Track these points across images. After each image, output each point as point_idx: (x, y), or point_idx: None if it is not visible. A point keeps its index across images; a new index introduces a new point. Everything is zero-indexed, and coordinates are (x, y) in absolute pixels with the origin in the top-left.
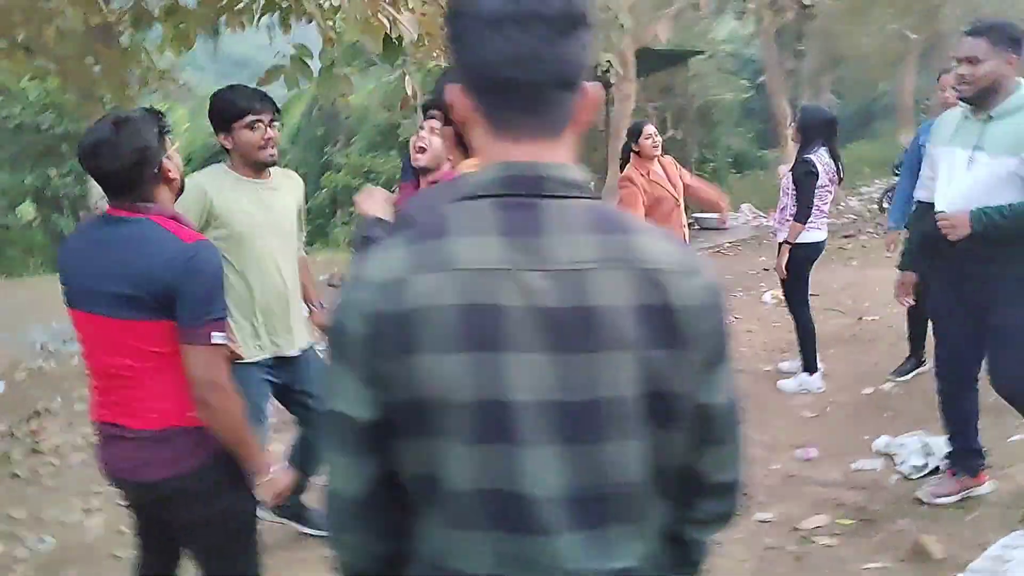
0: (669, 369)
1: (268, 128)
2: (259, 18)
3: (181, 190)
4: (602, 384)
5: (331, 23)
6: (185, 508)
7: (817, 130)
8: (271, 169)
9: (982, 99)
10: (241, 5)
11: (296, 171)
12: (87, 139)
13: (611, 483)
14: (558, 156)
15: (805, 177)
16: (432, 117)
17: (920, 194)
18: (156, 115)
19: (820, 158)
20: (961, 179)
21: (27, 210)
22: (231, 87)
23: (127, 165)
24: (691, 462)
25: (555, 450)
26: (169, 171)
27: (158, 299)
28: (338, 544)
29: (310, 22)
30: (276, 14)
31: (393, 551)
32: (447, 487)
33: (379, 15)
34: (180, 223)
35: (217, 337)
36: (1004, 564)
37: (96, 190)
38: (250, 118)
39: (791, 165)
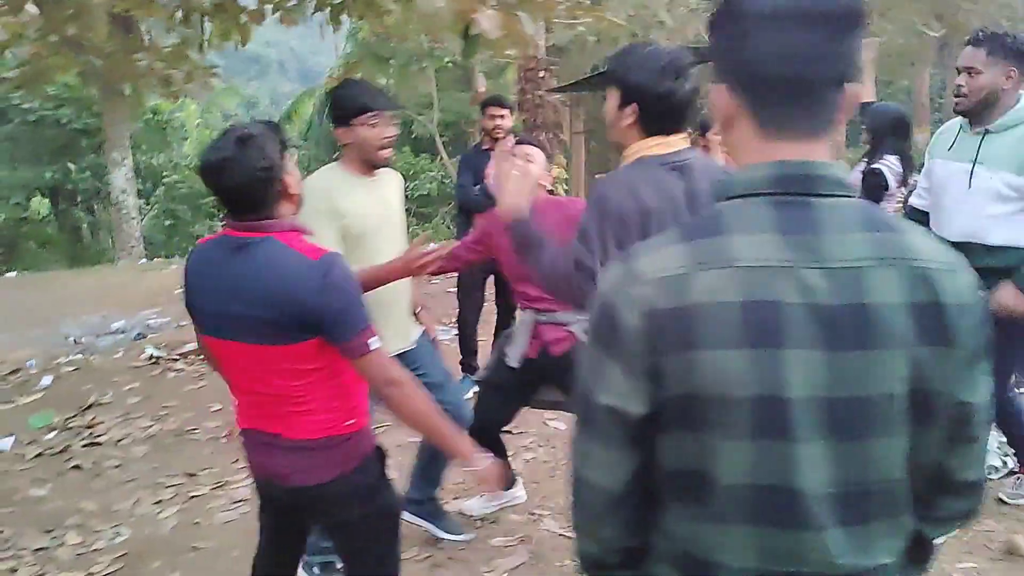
0: (935, 367)
1: (388, 127)
2: (313, 13)
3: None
4: (873, 381)
5: (383, 19)
6: (338, 509)
7: (887, 130)
8: None
9: (979, 112)
10: (294, 3)
11: (311, 169)
12: (211, 156)
13: (875, 480)
14: (824, 155)
15: (874, 191)
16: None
17: (914, 201)
18: (276, 129)
19: (891, 167)
20: (962, 196)
21: (41, 205)
22: (354, 82)
23: (252, 183)
24: (940, 460)
25: (826, 446)
26: (290, 186)
27: (302, 322)
28: (588, 536)
29: (360, 18)
30: (328, 10)
31: (637, 545)
32: (717, 481)
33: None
34: (303, 237)
35: (374, 342)
36: None
37: (117, 186)
38: (372, 115)
39: (860, 169)
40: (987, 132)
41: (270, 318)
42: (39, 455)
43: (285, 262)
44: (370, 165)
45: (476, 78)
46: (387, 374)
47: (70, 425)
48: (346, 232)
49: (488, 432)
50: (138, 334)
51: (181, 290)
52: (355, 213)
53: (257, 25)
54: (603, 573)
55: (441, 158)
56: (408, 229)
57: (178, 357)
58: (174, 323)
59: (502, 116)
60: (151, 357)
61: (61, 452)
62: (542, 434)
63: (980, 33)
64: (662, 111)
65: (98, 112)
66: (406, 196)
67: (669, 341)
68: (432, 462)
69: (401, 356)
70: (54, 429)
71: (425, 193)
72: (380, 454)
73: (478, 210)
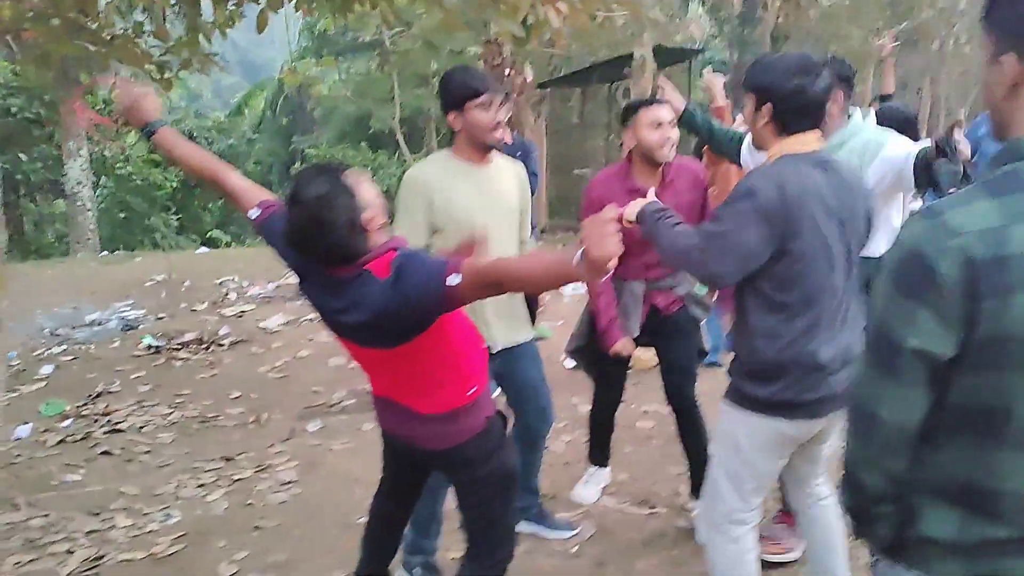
0: None
1: (499, 110)
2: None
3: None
4: None
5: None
6: (465, 470)
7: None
8: (494, 154)
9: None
10: None
11: (265, 161)
12: (294, 228)
13: None
14: None
15: None
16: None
17: None
18: (338, 171)
19: None
20: None
21: None
22: (464, 68)
23: (338, 244)
24: None
25: None
26: (373, 221)
27: (404, 328)
28: (876, 470)
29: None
30: None
31: (908, 477)
32: (1014, 414)
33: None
34: (391, 255)
35: (453, 279)
36: None
37: (73, 177)
38: (484, 98)
39: None
40: None
41: (378, 333)
42: (61, 441)
43: (373, 294)
44: (484, 149)
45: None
46: (484, 282)
47: (83, 413)
48: (445, 222)
49: (610, 407)
50: (125, 325)
51: (152, 283)
52: (453, 203)
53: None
54: (875, 507)
55: (402, 154)
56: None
57: (179, 347)
58: (151, 315)
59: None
60: (150, 347)
61: (83, 439)
62: (573, 417)
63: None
64: (794, 109)
65: (51, 101)
66: None
67: (986, 288)
68: (527, 472)
69: (508, 351)
70: (68, 417)
71: (385, 190)
72: (501, 417)
73: None
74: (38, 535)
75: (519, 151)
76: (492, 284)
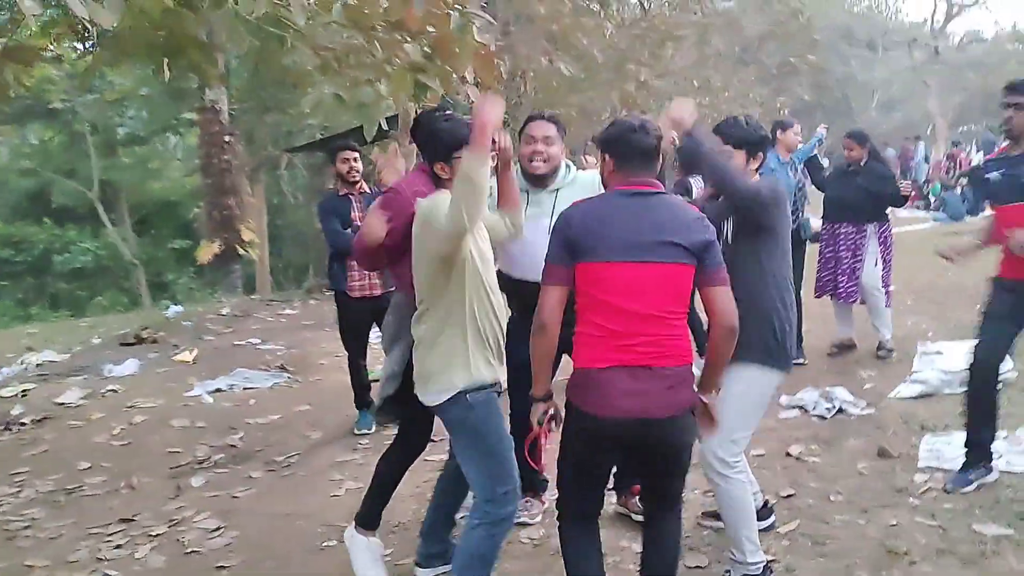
0: None
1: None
2: None
3: None
4: None
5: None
6: (686, 436)
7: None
8: None
9: (550, 176)
10: None
11: None
12: (626, 125)
13: None
14: None
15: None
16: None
17: None
18: None
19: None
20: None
21: None
22: (445, 115)
23: (656, 146)
24: None
25: None
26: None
27: (694, 249)
28: None
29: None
30: None
31: None
32: None
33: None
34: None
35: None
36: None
37: None
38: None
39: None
40: (557, 191)
41: (680, 242)
42: None
43: (681, 206)
44: None
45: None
46: (733, 307)
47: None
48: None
49: (411, 460)
50: None
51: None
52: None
53: None
54: None
55: (98, 228)
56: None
57: None
58: None
59: (355, 159)
60: None
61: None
62: None
63: (548, 112)
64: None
65: None
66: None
67: None
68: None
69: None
70: None
71: (80, 267)
72: None
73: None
74: None
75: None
76: None
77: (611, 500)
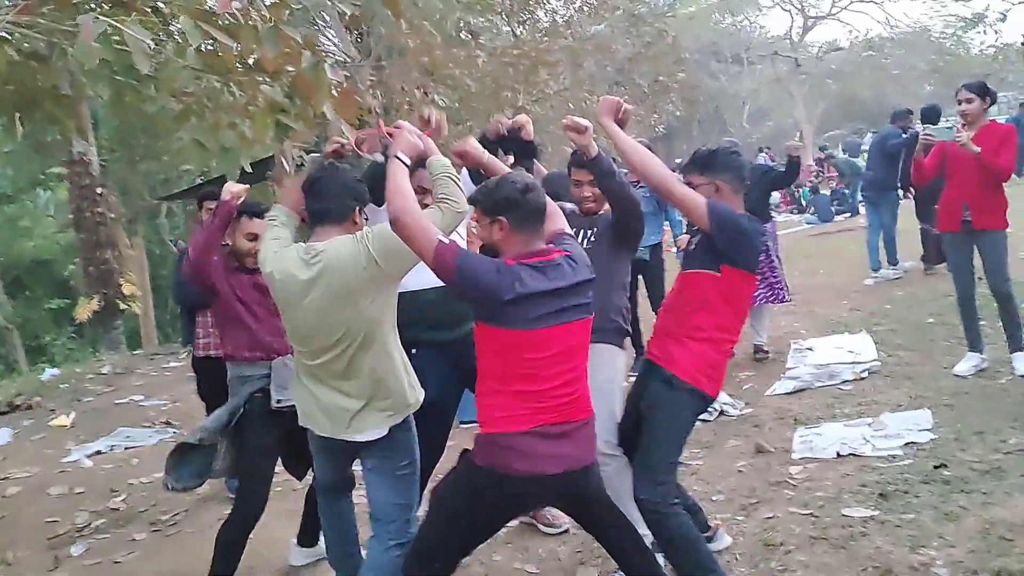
0: None
1: None
2: None
3: None
4: None
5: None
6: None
7: None
8: None
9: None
10: None
11: None
12: (516, 186)
13: None
14: None
15: None
16: None
17: None
18: None
19: None
20: None
21: None
22: (345, 170)
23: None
24: None
25: None
26: None
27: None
28: None
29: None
30: None
31: None
32: None
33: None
34: None
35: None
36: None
37: None
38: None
39: None
40: None
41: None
42: None
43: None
44: None
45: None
46: None
47: None
48: None
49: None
50: None
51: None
52: None
53: None
54: None
55: None
56: None
57: None
58: None
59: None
60: None
61: None
62: None
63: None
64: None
65: None
66: None
67: None
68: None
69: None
70: None
71: None
72: None
73: (204, 306)
74: None
75: None
76: None
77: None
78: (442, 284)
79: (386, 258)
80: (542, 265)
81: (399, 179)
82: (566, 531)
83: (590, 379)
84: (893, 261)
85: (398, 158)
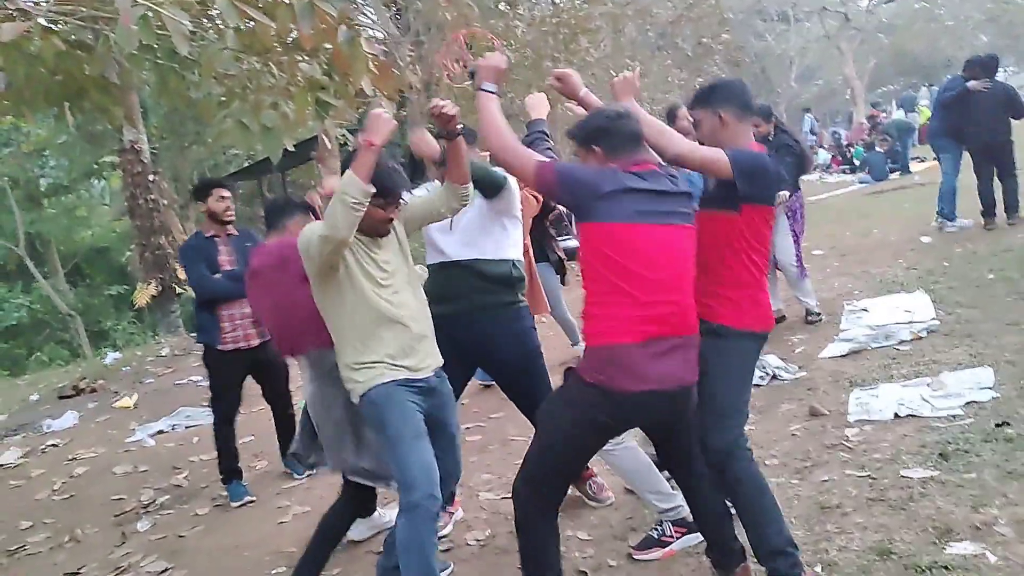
0: None
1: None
2: None
3: None
4: None
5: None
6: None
7: None
8: None
9: None
10: None
11: None
12: (605, 114)
13: None
14: None
15: None
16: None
17: None
18: None
19: None
20: None
21: None
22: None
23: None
24: None
25: None
26: None
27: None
28: None
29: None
30: None
31: None
32: None
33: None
34: None
35: None
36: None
37: None
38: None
39: None
40: None
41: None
42: None
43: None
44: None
45: None
46: None
47: None
48: None
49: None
50: None
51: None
52: None
53: None
54: None
55: (28, 282)
56: None
57: None
58: None
59: (230, 197)
60: None
61: None
62: None
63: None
64: None
65: None
66: None
67: None
68: None
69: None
70: None
71: (14, 324)
72: None
73: (227, 296)
74: None
75: (248, 241)
76: None
77: None
78: (438, 261)
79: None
80: (642, 172)
81: (492, 112)
82: (611, 504)
83: None
84: (946, 215)
85: (485, 89)
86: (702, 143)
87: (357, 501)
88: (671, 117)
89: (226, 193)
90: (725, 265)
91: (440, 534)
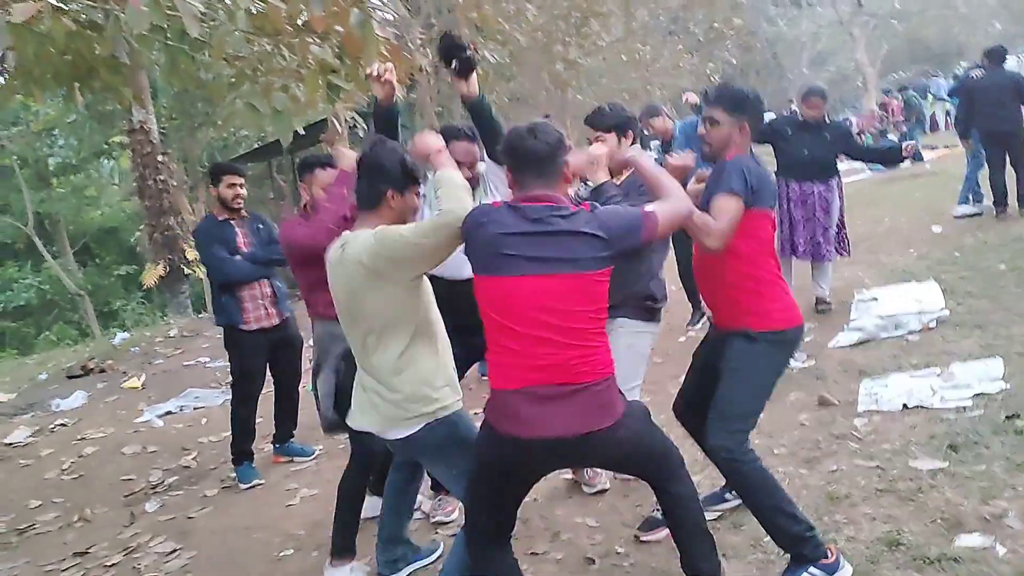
0: None
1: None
2: None
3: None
4: None
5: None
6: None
7: None
8: None
9: None
10: None
11: None
12: (517, 130)
13: None
14: None
15: None
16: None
17: None
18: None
19: None
20: None
21: None
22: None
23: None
24: None
25: None
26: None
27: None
28: None
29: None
30: None
31: None
32: None
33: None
34: None
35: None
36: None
37: None
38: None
39: None
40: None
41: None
42: None
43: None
44: None
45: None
46: None
47: None
48: None
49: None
50: None
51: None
52: None
53: None
54: None
55: (38, 262)
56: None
57: None
58: None
59: (241, 184)
60: None
61: None
62: None
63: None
64: None
65: None
66: None
67: None
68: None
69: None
70: None
71: (22, 304)
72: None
73: (248, 278)
74: None
75: (259, 223)
76: None
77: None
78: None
79: (375, 260)
80: (525, 208)
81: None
82: (605, 490)
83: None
84: (961, 199)
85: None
86: (708, 141)
87: (358, 457)
88: (651, 115)
89: (236, 180)
90: (735, 269)
91: (446, 520)
